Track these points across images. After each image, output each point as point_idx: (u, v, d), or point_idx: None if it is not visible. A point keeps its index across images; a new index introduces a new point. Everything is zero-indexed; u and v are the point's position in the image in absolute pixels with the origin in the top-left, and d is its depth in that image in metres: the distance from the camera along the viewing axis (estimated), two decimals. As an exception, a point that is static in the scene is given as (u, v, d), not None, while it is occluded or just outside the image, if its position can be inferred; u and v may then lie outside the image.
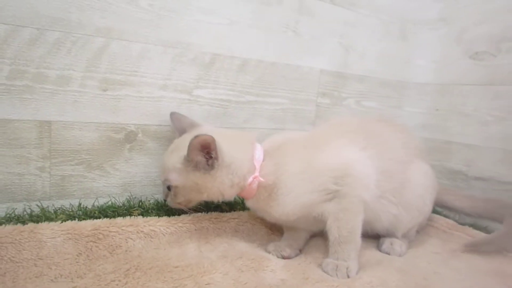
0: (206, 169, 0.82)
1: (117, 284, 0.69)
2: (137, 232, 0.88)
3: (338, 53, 1.28)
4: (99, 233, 0.84)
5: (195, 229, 0.94)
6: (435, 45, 1.40)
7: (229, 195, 0.87)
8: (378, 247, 0.97)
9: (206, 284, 0.71)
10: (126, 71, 0.97)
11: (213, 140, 0.79)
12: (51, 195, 0.94)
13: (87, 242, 0.82)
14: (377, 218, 0.91)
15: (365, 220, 0.85)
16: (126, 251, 0.83)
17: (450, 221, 1.15)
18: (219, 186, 0.84)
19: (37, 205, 0.92)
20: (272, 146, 0.89)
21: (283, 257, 0.87)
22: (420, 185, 0.94)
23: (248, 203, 0.90)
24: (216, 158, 0.82)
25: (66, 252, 0.78)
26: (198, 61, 1.06)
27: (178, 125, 0.95)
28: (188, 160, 0.82)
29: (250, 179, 0.84)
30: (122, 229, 0.87)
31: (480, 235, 1.05)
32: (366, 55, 1.33)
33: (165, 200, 0.91)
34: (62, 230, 0.82)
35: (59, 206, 0.94)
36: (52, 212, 0.91)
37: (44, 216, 0.87)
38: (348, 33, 1.28)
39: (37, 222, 0.84)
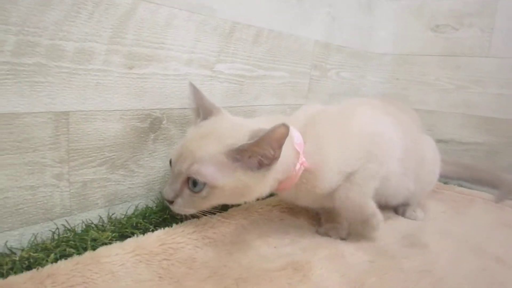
0: (260, 168, 0.67)
1: None
2: (202, 238, 0.75)
3: (327, 24, 1.27)
4: (168, 247, 0.70)
5: (248, 224, 0.86)
6: (396, 17, 1.50)
7: (267, 193, 0.74)
8: (401, 214, 1.02)
9: (320, 281, 0.66)
10: (153, 43, 0.78)
11: (287, 134, 0.65)
12: (72, 209, 0.72)
13: (159, 261, 0.67)
14: (395, 194, 0.93)
15: (384, 194, 0.86)
16: (202, 262, 0.70)
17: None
18: (265, 185, 0.71)
19: (63, 225, 0.69)
20: (302, 125, 0.79)
21: (341, 239, 0.85)
22: (431, 160, 1.01)
23: (283, 194, 0.81)
24: (278, 155, 0.67)
25: (145, 279, 0.62)
26: (220, 30, 0.92)
27: (200, 101, 0.76)
28: (241, 154, 0.66)
29: (298, 167, 0.74)
30: (188, 237, 0.73)
31: (464, 190, 1.22)
32: (344, 26, 1.35)
33: (169, 202, 0.69)
34: (128, 253, 0.65)
35: (85, 221, 0.73)
36: (80, 231, 0.71)
37: (84, 238, 0.67)
38: (334, 3, 1.28)
39: (76, 248, 0.64)
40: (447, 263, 0.76)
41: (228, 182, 0.66)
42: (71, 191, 0.71)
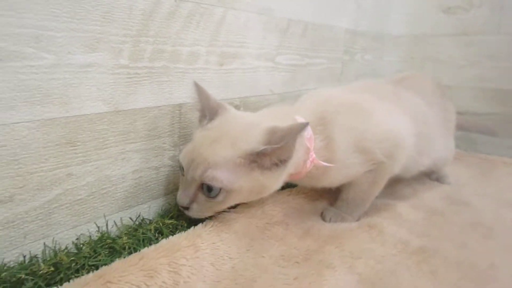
0: (276, 166, 0.67)
1: (339, 248, 0.75)
2: (289, 208, 0.87)
3: (354, 12, 1.41)
4: (268, 214, 0.83)
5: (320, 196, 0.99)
6: (409, 1, 1.64)
7: (279, 187, 0.74)
8: (435, 180, 1.17)
9: (395, 233, 0.81)
10: (236, 43, 0.92)
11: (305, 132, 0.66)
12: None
13: (264, 224, 0.80)
14: (410, 172, 0.96)
15: (398, 173, 0.89)
16: (294, 226, 0.82)
17: (458, 150, 1.44)
18: (280, 181, 0.71)
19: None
20: (311, 115, 0.76)
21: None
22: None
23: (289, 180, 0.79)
24: (293, 153, 0.66)
25: (260, 237, 0.76)
26: (279, 27, 1.06)
27: (206, 101, 0.74)
28: (260, 157, 0.65)
29: (308, 164, 0.72)
30: (280, 207, 0.86)
31: (486, 156, 1.39)
32: (366, 12, 1.50)
33: (184, 208, 0.69)
34: (240, 216, 0.80)
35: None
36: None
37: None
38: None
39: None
40: (492, 216, 0.92)
41: (245, 184, 0.65)
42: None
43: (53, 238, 0.65)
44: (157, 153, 0.80)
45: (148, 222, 0.76)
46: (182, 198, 0.67)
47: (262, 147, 0.64)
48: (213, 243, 0.70)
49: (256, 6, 0.96)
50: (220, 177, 0.64)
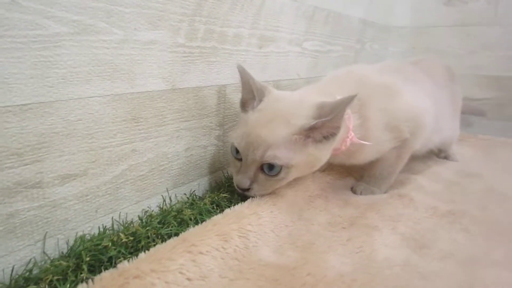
0: (327, 139, 0.70)
1: (378, 214, 0.78)
2: (324, 182, 0.93)
3: (366, 1, 1.46)
4: (307, 186, 0.88)
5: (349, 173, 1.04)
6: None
7: (325, 161, 0.76)
8: (443, 158, 1.24)
9: (422, 201, 0.86)
10: (273, 27, 0.95)
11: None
12: (223, 165, 0.90)
13: (308, 196, 0.85)
14: (420, 149, 0.99)
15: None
16: (333, 198, 0.87)
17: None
18: (329, 153, 0.73)
19: (225, 175, 0.87)
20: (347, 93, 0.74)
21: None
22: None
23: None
24: (341, 125, 0.71)
25: (306, 208, 0.80)
26: (307, 14, 1.09)
27: (253, 83, 0.75)
28: (313, 131, 0.68)
29: (348, 141, 0.76)
30: (315, 181, 0.92)
31: (485, 136, 1.48)
32: (375, 3, 1.54)
33: (243, 190, 0.71)
34: (283, 188, 0.83)
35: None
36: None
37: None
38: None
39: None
40: (505, 184, 0.99)
41: (302, 159, 0.69)
42: (224, 150, 0.89)
43: (120, 212, 0.66)
44: (205, 132, 0.82)
45: (199, 198, 0.78)
46: (243, 181, 0.69)
47: (314, 122, 0.67)
48: (271, 211, 0.72)
49: (288, -9, 0.99)
50: (280, 155, 0.66)
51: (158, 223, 0.64)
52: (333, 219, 0.78)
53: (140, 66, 0.65)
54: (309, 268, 0.58)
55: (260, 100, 0.73)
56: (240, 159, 0.71)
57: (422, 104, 0.90)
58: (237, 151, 0.70)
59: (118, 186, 0.65)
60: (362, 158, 0.86)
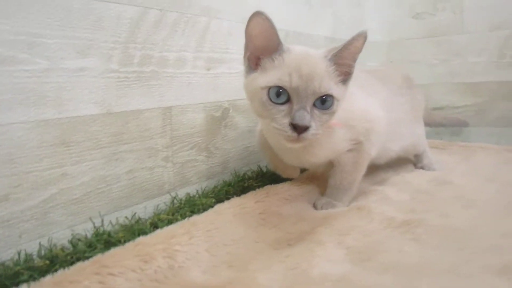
0: (344, 84, 0.75)
1: (329, 229, 0.76)
2: (281, 199, 0.91)
3: (332, 22, 1.48)
4: (261, 205, 0.86)
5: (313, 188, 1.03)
6: (382, 9, 1.75)
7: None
8: (420, 168, 1.22)
9: (382, 213, 0.85)
10: (221, 49, 0.97)
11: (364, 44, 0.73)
12: (176, 185, 0.91)
13: (258, 214, 0.84)
14: (380, 157, 1.01)
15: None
16: (288, 215, 0.86)
17: (441, 141, 1.53)
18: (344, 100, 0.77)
19: (169, 196, 0.88)
20: None
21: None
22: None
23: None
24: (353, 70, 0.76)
25: (255, 225, 0.80)
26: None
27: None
28: (337, 64, 0.72)
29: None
30: (272, 198, 0.90)
31: (466, 144, 1.45)
32: (343, 22, 1.56)
33: (302, 130, 0.68)
34: (236, 207, 0.83)
35: (186, 195, 0.92)
36: (184, 201, 0.89)
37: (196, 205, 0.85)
38: (335, 3, 1.49)
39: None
40: (474, 190, 0.97)
41: (342, 94, 0.73)
42: (174, 170, 0.90)
43: (49, 237, 0.67)
44: (150, 153, 0.83)
45: (143, 220, 0.79)
46: (305, 117, 0.67)
47: (336, 50, 0.72)
48: (208, 230, 0.73)
49: (240, 15, 1.01)
50: (332, 86, 0.70)
51: (87, 246, 0.65)
52: (282, 236, 0.77)
53: (69, 92, 0.67)
54: (236, 288, 0.58)
55: (287, 46, 0.73)
56: (284, 103, 0.69)
57: (375, 111, 0.92)
58: (279, 95, 0.68)
59: (46, 210, 0.66)
60: (319, 154, 0.85)
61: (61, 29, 0.65)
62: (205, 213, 0.78)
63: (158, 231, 0.69)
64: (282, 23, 1.13)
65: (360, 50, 0.73)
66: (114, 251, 0.61)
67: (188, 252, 0.67)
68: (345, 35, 1.53)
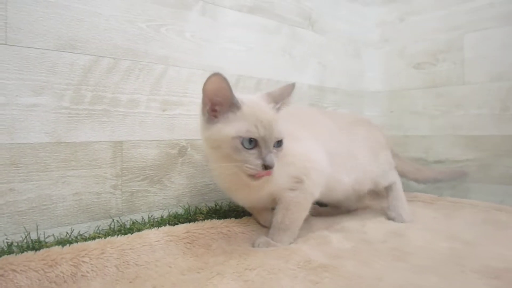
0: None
1: (242, 263, 0.82)
2: (218, 233, 0.99)
3: (318, 71, 1.57)
4: (191, 235, 0.94)
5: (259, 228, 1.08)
6: (383, 60, 1.79)
7: None
8: (391, 219, 1.20)
9: (311, 254, 0.88)
10: (179, 93, 1.11)
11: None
12: (123, 211, 1.01)
13: (185, 243, 0.92)
14: (332, 192, 1.07)
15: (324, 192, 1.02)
16: (217, 248, 0.93)
17: (431, 195, 1.48)
18: None
19: (117, 221, 0.99)
20: None
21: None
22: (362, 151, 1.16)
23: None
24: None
25: (175, 253, 0.88)
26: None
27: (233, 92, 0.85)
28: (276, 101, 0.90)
29: None
30: (207, 231, 0.98)
31: (457, 199, 1.40)
32: (335, 71, 1.65)
33: (269, 168, 0.82)
34: (162, 234, 0.91)
35: (132, 221, 1.02)
36: (128, 226, 0.99)
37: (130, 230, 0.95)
38: (322, 53, 1.59)
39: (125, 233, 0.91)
40: (420, 244, 0.95)
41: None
42: (123, 198, 1.01)
43: (-7, 240, 0.80)
44: (99, 181, 0.96)
45: (82, 237, 0.90)
46: (273, 159, 0.83)
47: (280, 103, 0.90)
48: (123, 250, 0.81)
49: (201, 64, 1.15)
50: (282, 129, 0.86)
51: (20, 251, 0.77)
52: (196, 265, 0.83)
53: (22, 123, 0.83)
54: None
55: (241, 100, 0.86)
56: (254, 147, 0.83)
57: (315, 153, 1.00)
58: (250, 142, 0.82)
59: (-9, 218, 0.80)
60: (264, 188, 0.92)
61: (18, 73, 0.82)
62: (128, 235, 0.87)
63: (75, 244, 0.79)
64: (254, 72, 1.26)
65: (290, 95, 0.92)
66: (25, 254, 0.72)
67: (95, 265, 0.76)
68: (340, 85, 1.63)
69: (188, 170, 1.15)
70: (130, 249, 0.84)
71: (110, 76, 0.96)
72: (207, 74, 1.16)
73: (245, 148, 0.83)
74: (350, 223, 1.15)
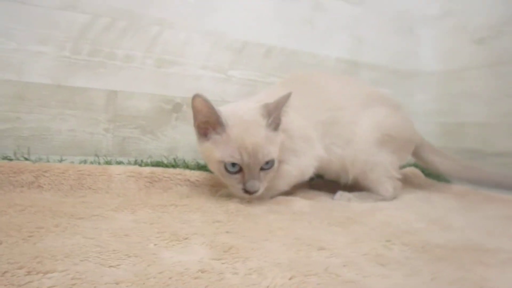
0: (277, 130, 0.90)
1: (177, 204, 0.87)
2: (185, 180, 1.06)
3: (350, 44, 1.49)
4: (155, 176, 1.03)
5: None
6: (441, 36, 1.58)
7: None
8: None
9: None
10: (175, 53, 1.21)
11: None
12: (113, 153, 1.16)
13: (145, 182, 1.01)
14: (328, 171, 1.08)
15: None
16: (176, 192, 1.01)
17: (466, 187, 1.23)
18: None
19: (103, 159, 1.14)
20: None
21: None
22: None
23: None
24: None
25: (131, 187, 0.98)
26: (232, 47, 1.28)
27: (218, 112, 0.86)
28: (272, 119, 0.87)
29: None
30: (173, 176, 1.06)
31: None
32: (375, 47, 1.53)
33: (253, 193, 0.85)
34: (126, 171, 1.02)
35: (120, 161, 1.15)
36: (114, 164, 1.12)
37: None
38: (358, 27, 1.49)
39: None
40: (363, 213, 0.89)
41: (277, 148, 0.88)
42: (114, 141, 1.16)
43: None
44: (92, 122, 1.13)
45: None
46: (255, 184, 0.84)
47: (271, 118, 0.87)
48: (82, 174, 0.95)
49: (202, 29, 1.23)
50: (271, 150, 0.85)
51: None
52: (144, 199, 0.93)
53: (28, 65, 1.05)
54: None
55: (226, 122, 0.85)
56: (237, 171, 0.85)
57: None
58: (233, 166, 0.84)
59: (1, 137, 1.03)
60: None
61: (27, 25, 1.04)
62: (96, 166, 1.01)
63: (44, 163, 0.97)
64: (263, 38, 1.29)
65: (285, 104, 0.87)
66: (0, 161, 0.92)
67: (53, 180, 0.92)
68: (382, 61, 1.51)
69: (183, 126, 1.24)
70: (89, 175, 0.97)
71: (107, 33, 1.12)
72: (208, 38, 1.25)
73: (229, 172, 0.85)
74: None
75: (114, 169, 1.01)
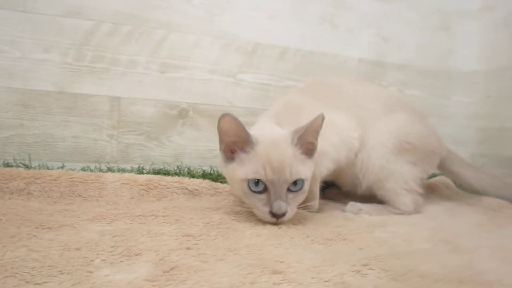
0: (311, 155, 0.81)
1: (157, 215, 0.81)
2: (182, 188, 1.01)
3: (375, 44, 1.35)
4: (151, 184, 0.99)
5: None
6: (481, 33, 1.40)
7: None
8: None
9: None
10: (181, 57, 1.16)
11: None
12: (117, 159, 1.13)
13: (140, 190, 0.97)
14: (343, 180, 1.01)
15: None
16: (170, 200, 0.95)
17: (500, 201, 1.07)
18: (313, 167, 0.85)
19: (106, 166, 1.11)
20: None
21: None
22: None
23: None
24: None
25: (124, 195, 0.94)
26: (242, 49, 1.22)
27: (247, 131, 0.79)
28: (301, 144, 0.79)
29: None
30: (170, 184, 1.01)
31: None
32: (404, 46, 1.38)
33: (280, 216, 0.76)
34: (120, 178, 0.98)
35: (122, 168, 1.12)
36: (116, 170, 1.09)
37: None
38: (385, 25, 1.36)
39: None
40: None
41: (309, 172, 0.79)
42: (118, 147, 1.13)
43: (3, 160, 1.04)
44: (96, 128, 1.11)
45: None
46: (282, 206, 0.74)
47: (298, 136, 0.78)
48: (74, 181, 0.93)
49: (211, 32, 1.18)
50: (300, 169, 0.77)
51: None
52: (135, 209, 0.89)
53: (32, 73, 1.05)
54: None
55: (256, 140, 0.79)
56: (262, 191, 0.76)
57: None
58: (257, 184, 0.76)
59: (5, 144, 1.04)
60: None
61: (31, 33, 1.04)
62: (90, 173, 0.98)
63: (39, 170, 0.96)
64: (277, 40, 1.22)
65: (320, 127, 0.79)
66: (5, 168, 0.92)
67: (43, 187, 0.90)
68: (411, 61, 1.36)
69: (190, 132, 1.19)
70: (81, 182, 0.94)
71: (110, 39, 1.10)
72: (218, 41, 1.19)
73: (253, 192, 0.76)
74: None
75: (108, 176, 0.98)
